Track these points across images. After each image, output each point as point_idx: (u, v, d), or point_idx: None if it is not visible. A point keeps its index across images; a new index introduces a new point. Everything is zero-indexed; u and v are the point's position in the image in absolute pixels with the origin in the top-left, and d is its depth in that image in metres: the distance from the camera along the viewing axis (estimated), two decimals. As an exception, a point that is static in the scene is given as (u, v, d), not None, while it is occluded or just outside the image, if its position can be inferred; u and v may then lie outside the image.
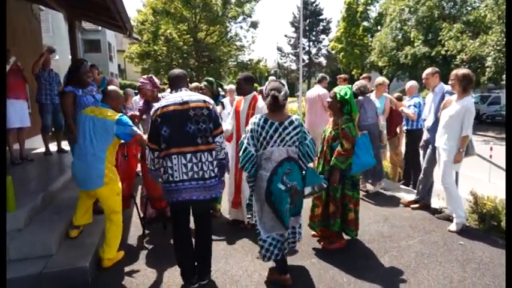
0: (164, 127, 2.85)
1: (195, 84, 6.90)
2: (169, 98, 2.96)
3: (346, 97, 3.63)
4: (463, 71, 4.21)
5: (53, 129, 6.78)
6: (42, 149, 6.60)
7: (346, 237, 3.95)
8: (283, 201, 2.91)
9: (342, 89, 3.69)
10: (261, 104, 4.11)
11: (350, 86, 3.95)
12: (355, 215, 3.85)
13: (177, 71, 3.24)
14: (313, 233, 4.08)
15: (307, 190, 3.11)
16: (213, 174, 2.96)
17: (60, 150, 6.67)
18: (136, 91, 5.51)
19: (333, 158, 3.61)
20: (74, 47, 7.45)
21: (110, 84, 5.97)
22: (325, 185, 3.22)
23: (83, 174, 3.33)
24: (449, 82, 4.28)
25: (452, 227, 4.25)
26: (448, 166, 4.27)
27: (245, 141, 2.98)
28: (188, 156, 2.86)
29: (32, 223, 3.64)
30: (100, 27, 24.60)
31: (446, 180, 4.29)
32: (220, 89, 5.22)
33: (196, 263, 3.14)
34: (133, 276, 3.33)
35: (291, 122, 2.97)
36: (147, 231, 4.28)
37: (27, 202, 3.76)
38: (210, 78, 4.79)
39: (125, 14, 6.98)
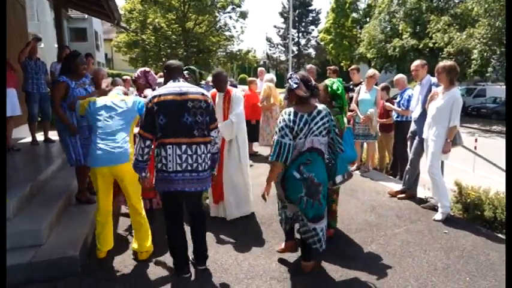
0: (161, 116, 2.81)
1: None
2: (168, 87, 2.92)
3: (338, 92, 3.64)
4: (449, 63, 4.29)
5: (40, 118, 6.70)
6: (29, 139, 6.50)
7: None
8: (296, 190, 2.97)
9: (334, 83, 3.71)
10: (236, 95, 4.17)
11: (340, 79, 3.97)
12: (336, 205, 3.92)
13: (175, 62, 3.22)
14: None
15: (339, 179, 3.22)
16: (206, 167, 2.98)
17: (47, 139, 6.57)
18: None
19: None
20: (61, 36, 7.34)
21: (97, 73, 5.89)
22: (352, 173, 3.35)
23: (109, 151, 3.27)
24: (436, 75, 4.34)
25: (438, 216, 4.35)
26: (436, 157, 4.35)
27: (279, 137, 2.88)
28: (183, 147, 2.86)
29: (20, 213, 3.62)
30: (86, 16, 24.14)
31: (433, 171, 4.38)
32: (201, 78, 5.20)
33: (193, 251, 3.24)
34: (123, 265, 3.35)
35: (319, 112, 2.96)
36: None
37: (16, 192, 3.73)
38: (192, 67, 4.76)
39: (113, 2, 6.89)
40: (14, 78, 5.78)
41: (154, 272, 3.25)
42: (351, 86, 6.82)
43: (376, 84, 6.34)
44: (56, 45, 7.79)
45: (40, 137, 6.59)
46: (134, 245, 3.50)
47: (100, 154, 3.25)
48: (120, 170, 3.28)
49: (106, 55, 38.62)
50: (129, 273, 3.24)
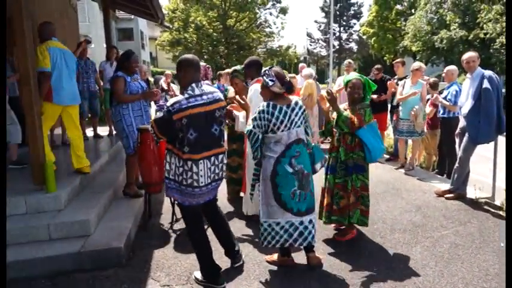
0: (191, 130, 2.62)
1: (228, 70, 6.90)
2: (195, 96, 2.67)
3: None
4: None
5: (89, 115, 7.06)
6: (79, 135, 6.86)
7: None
8: (289, 184, 2.92)
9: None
10: (253, 88, 3.79)
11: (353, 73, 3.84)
12: (343, 202, 3.62)
13: (193, 56, 2.86)
14: (333, 225, 3.90)
15: (318, 166, 3.22)
16: (223, 174, 2.95)
17: (96, 135, 6.91)
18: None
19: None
20: (109, 36, 7.64)
21: (140, 70, 6.08)
22: (326, 157, 3.46)
23: (74, 91, 4.36)
24: None
25: None
26: None
27: (251, 128, 2.90)
28: (212, 159, 2.77)
29: (71, 204, 3.82)
30: (133, 16, 25.05)
31: None
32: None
33: (225, 252, 3.24)
34: (164, 259, 3.44)
35: (296, 103, 2.97)
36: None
37: (67, 184, 3.96)
38: (237, 68, 4.61)
39: (157, 2, 7.11)
40: None
41: (196, 264, 3.30)
42: (395, 81, 6.58)
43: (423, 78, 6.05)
44: (105, 45, 8.13)
45: (90, 132, 6.94)
46: (76, 164, 4.29)
47: (68, 93, 4.19)
48: (74, 107, 4.34)
49: (151, 54, 39.89)
50: (171, 267, 3.32)
